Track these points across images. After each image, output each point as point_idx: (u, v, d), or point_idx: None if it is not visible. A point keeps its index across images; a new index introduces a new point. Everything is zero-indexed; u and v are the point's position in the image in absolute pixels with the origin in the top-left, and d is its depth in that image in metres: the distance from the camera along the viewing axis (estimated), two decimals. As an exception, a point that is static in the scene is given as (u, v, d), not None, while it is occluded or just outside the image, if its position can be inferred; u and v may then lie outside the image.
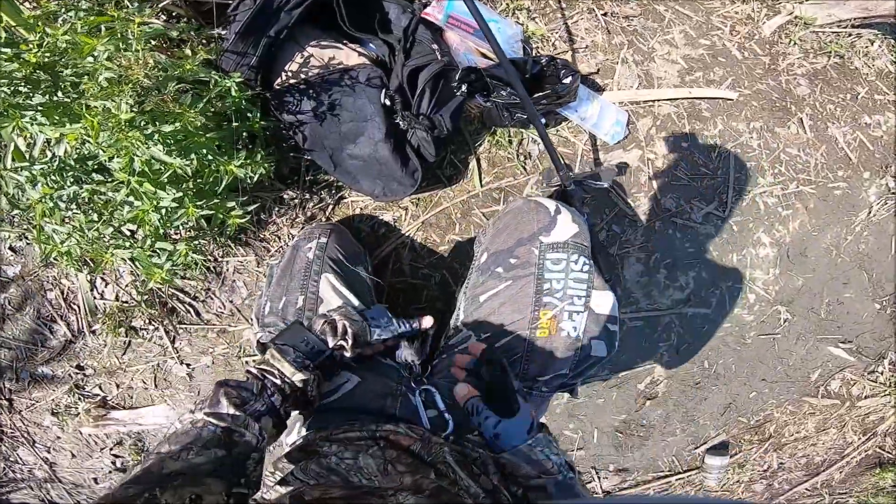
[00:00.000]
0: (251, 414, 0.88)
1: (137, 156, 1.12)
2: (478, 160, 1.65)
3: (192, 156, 1.19)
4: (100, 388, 1.77)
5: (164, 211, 1.22)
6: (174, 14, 1.37)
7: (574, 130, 1.67)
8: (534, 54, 1.49)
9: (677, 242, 1.77)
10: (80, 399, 1.76)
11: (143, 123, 1.10)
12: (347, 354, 1.04)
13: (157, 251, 1.34)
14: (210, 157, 1.23)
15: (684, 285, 1.80)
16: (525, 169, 1.65)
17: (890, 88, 1.91)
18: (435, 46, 1.39)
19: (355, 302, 1.24)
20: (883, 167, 1.90)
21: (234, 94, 1.24)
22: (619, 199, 1.71)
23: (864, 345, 2.05)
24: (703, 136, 1.74)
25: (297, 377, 0.95)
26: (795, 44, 1.82)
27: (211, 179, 1.27)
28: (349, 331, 1.01)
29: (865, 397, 2.15)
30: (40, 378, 1.74)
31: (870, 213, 1.91)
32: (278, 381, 0.93)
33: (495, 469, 0.91)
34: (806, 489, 2.28)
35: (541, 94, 1.42)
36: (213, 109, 1.25)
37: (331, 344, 1.00)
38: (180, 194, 1.20)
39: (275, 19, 1.27)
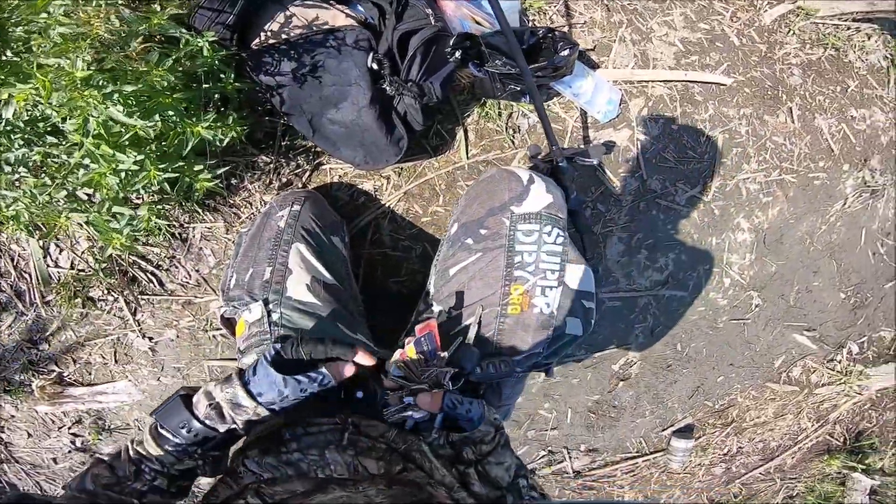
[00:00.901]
0: (129, 493, 0.80)
1: (93, 116, 1.02)
2: (465, 131, 1.58)
3: (157, 117, 1.09)
4: (55, 363, 1.65)
5: (123, 174, 1.12)
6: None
7: (565, 106, 1.62)
8: (538, 28, 1.42)
9: (660, 224, 1.75)
10: (34, 375, 1.63)
11: (101, 82, 0.99)
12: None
13: (116, 216, 1.24)
14: (175, 119, 1.13)
15: (664, 266, 1.79)
16: (513, 142, 1.59)
17: (879, 83, 1.91)
18: (429, 11, 1.29)
19: (326, 275, 1.16)
20: (862, 160, 1.91)
21: (206, 53, 1.14)
22: (605, 178, 1.67)
23: (826, 333, 2.09)
24: (694, 119, 1.71)
25: (180, 467, 0.83)
26: (794, 33, 1.79)
27: (176, 142, 1.17)
28: (237, 420, 0.84)
29: (822, 385, 2.19)
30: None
31: (845, 204, 1.92)
32: (158, 467, 0.82)
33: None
34: (760, 473, 2.33)
35: (536, 66, 1.35)
36: (181, 69, 1.14)
37: (221, 430, 0.84)
38: (142, 157, 1.10)
39: (254, -23, 1.16)
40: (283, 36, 1.24)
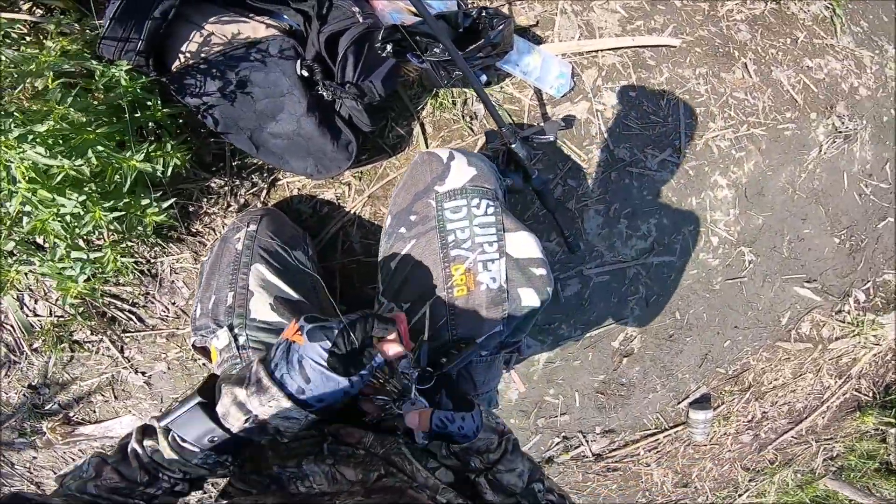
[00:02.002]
0: (139, 496, 0.73)
1: (12, 162, 0.98)
2: (422, 125, 1.53)
3: (90, 154, 1.04)
4: (59, 405, 1.62)
5: (67, 218, 1.07)
6: (53, 7, 1.20)
7: (519, 86, 1.57)
8: (470, 8, 1.38)
9: (635, 191, 1.69)
10: (42, 419, 1.61)
11: (9, 125, 0.95)
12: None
13: (73, 262, 1.19)
14: (106, 155, 1.08)
15: (647, 233, 1.72)
16: (472, 130, 1.55)
17: (827, 33, 1.87)
18: (356, 9, 1.22)
19: (289, 292, 1.12)
20: (828, 108, 1.85)
21: (124, 83, 1.10)
22: (571, 153, 1.62)
23: (828, 283, 1.99)
24: (650, 84, 1.67)
25: (204, 472, 0.76)
26: (732, -12, 1.76)
27: (117, 178, 1.12)
28: (286, 432, 0.76)
29: (836, 339, 2.09)
30: (-4, 404, 1.59)
31: (820, 151, 1.86)
32: (180, 476, 0.75)
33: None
34: (792, 437, 2.22)
35: (474, 46, 1.30)
36: (97, 102, 1.10)
37: (258, 440, 0.77)
38: (83, 197, 1.06)
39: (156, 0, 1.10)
40: (203, 55, 1.17)
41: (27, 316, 1.49)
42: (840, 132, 1.87)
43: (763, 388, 2.06)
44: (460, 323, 0.99)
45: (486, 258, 0.99)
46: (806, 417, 2.21)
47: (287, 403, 0.71)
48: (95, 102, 1.10)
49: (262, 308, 1.07)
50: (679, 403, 1.95)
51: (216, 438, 0.72)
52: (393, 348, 0.79)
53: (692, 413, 1.93)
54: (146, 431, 0.76)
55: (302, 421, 0.74)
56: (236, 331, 1.05)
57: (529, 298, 1.01)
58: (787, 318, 1.98)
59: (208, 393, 0.76)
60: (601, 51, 1.62)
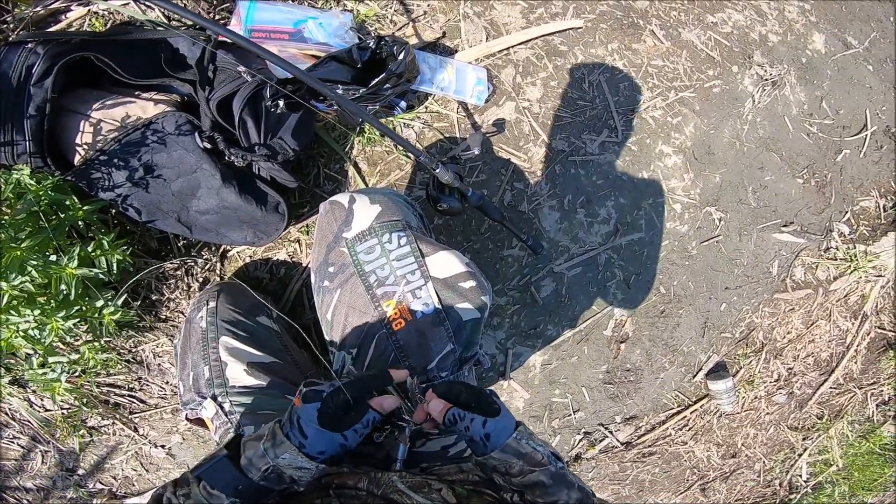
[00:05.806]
0: None
1: None
2: (355, 164, 1.46)
3: (29, 269, 0.98)
4: (100, 482, 1.56)
5: (29, 332, 1.04)
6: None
7: (443, 102, 1.51)
8: (367, 40, 1.29)
9: (583, 179, 1.59)
10: (89, 496, 1.56)
11: None
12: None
13: (53, 366, 1.17)
14: (42, 267, 1.01)
15: (607, 217, 1.61)
16: (408, 157, 1.48)
17: (720, -15, 1.81)
18: (241, 68, 1.12)
19: (260, 356, 1.12)
20: (746, 58, 1.78)
21: (32, 188, 1.01)
22: (511, 156, 1.55)
23: (805, 222, 1.85)
24: (568, 69, 1.60)
25: None
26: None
27: (63, 287, 1.05)
28: (301, 480, 0.77)
29: (834, 278, 1.92)
30: (45, 489, 1.54)
31: (754, 101, 1.77)
32: None
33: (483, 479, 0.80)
34: (831, 388, 1.99)
35: (378, 80, 1.23)
36: (7, 216, 1.02)
37: (278, 489, 0.77)
38: (38, 311, 1.02)
39: (27, 97, 1.00)
40: (99, 145, 1.05)
41: (39, 411, 1.47)
42: (766, 80, 1.79)
43: (778, 345, 1.88)
44: (409, 353, 0.96)
45: (412, 287, 0.96)
46: (837, 366, 2.00)
47: (296, 454, 0.73)
48: (7, 217, 1.02)
49: (238, 375, 1.08)
50: (694, 377, 1.77)
51: (241, 487, 0.73)
52: (388, 402, 0.80)
53: (711, 384, 1.75)
54: (178, 483, 0.75)
55: (313, 471, 0.74)
56: (220, 399, 1.06)
57: (467, 312, 0.98)
58: (777, 268, 1.83)
59: (234, 449, 0.77)
60: (511, 47, 1.56)
